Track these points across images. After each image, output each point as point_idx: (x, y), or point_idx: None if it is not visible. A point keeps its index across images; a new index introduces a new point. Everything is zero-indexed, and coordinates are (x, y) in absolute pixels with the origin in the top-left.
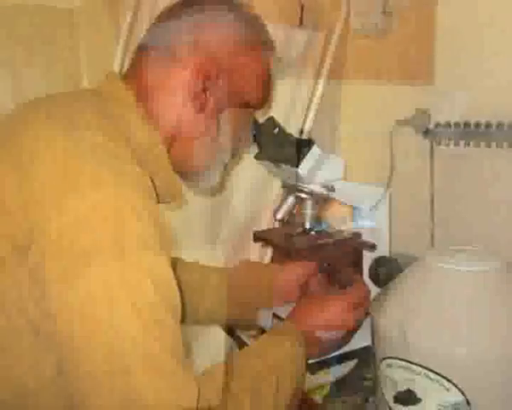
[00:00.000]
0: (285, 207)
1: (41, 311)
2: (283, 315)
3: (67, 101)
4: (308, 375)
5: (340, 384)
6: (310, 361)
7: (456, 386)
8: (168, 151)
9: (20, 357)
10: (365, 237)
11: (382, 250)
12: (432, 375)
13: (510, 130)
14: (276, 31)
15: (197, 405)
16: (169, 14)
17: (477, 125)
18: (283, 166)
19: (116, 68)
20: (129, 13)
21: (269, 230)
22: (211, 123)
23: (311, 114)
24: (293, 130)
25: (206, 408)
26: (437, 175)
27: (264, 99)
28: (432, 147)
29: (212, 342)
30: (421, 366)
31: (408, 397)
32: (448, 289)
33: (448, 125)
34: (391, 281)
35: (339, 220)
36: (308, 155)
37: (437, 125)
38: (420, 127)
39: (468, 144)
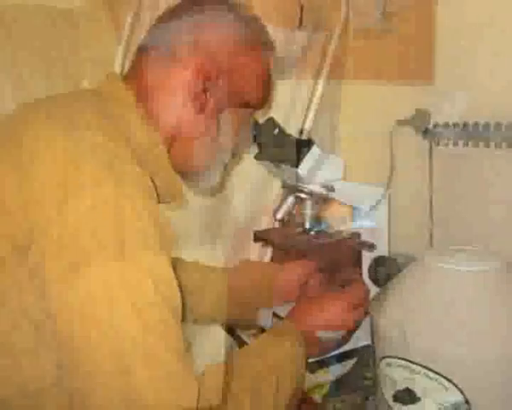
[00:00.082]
0: (285, 208)
1: (41, 311)
2: (283, 314)
3: (67, 101)
4: (307, 374)
5: (339, 383)
6: (309, 360)
7: (455, 386)
8: (168, 151)
9: (21, 357)
10: (365, 237)
11: (382, 250)
12: (431, 374)
13: (509, 130)
14: (275, 31)
15: (197, 404)
16: (169, 15)
17: (476, 125)
18: (283, 166)
19: (117, 69)
20: (130, 13)
21: (269, 230)
22: (211, 123)
23: (311, 115)
24: (292, 130)
25: (206, 408)
26: (436, 175)
27: (264, 99)
28: (431, 147)
29: (212, 342)
30: (420, 365)
31: (407, 396)
32: (447, 288)
33: (447, 125)
34: (390, 281)
35: (338, 220)
36: (308, 155)
37: (436, 125)
38: (420, 127)
39: (467, 144)
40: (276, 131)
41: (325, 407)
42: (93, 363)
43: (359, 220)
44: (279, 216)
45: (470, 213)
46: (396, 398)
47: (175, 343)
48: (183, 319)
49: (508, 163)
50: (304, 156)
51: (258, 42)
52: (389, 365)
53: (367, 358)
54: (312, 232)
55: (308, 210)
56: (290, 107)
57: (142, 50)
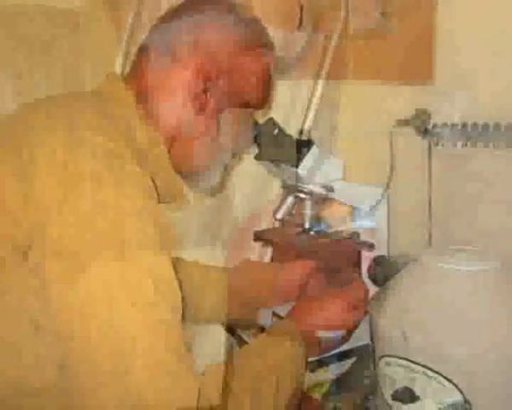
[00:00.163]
0: (285, 208)
1: (41, 311)
2: (283, 314)
3: (67, 101)
4: (307, 373)
5: (339, 382)
6: (309, 360)
7: (454, 385)
8: (168, 151)
9: (21, 356)
10: (364, 237)
11: (381, 250)
12: (430, 373)
13: (508, 131)
14: (275, 32)
15: (197, 404)
16: (170, 16)
17: (475, 125)
18: (283, 166)
19: (118, 69)
20: (130, 14)
21: (269, 230)
22: (211, 123)
23: (311, 115)
24: (292, 130)
25: (206, 408)
26: (435, 175)
27: (265, 99)
28: (430, 147)
29: (212, 342)
30: (419, 364)
31: (406, 395)
32: (446, 288)
33: (446, 125)
34: (389, 280)
35: (338, 220)
36: (308, 155)
37: (435, 125)
38: (419, 127)
39: (466, 145)
40: (276, 131)
41: (325, 406)
42: (93, 363)
43: (359, 220)
44: (279, 216)
45: (469, 213)
46: (395, 397)
47: (175, 343)
48: (183, 319)
49: (507, 163)
50: (304, 156)
51: (258, 42)
52: (388, 364)
53: (366, 357)
54: (312, 232)
55: (308, 210)
56: (290, 107)
57: (142, 51)
